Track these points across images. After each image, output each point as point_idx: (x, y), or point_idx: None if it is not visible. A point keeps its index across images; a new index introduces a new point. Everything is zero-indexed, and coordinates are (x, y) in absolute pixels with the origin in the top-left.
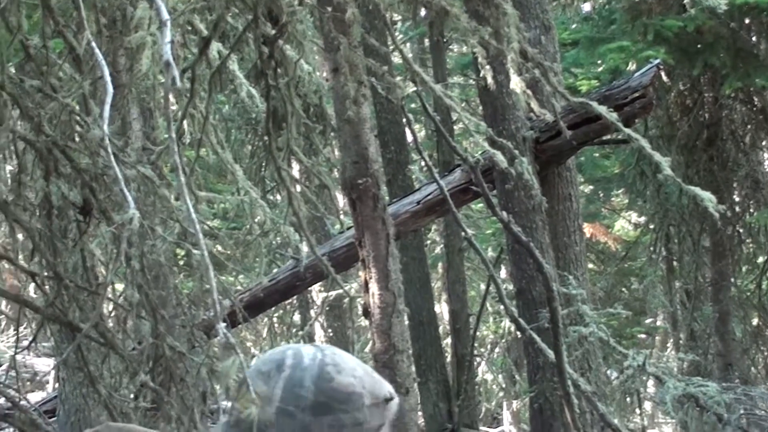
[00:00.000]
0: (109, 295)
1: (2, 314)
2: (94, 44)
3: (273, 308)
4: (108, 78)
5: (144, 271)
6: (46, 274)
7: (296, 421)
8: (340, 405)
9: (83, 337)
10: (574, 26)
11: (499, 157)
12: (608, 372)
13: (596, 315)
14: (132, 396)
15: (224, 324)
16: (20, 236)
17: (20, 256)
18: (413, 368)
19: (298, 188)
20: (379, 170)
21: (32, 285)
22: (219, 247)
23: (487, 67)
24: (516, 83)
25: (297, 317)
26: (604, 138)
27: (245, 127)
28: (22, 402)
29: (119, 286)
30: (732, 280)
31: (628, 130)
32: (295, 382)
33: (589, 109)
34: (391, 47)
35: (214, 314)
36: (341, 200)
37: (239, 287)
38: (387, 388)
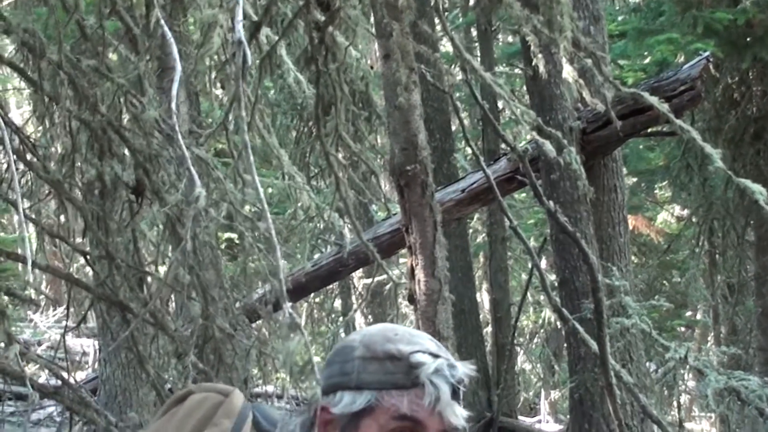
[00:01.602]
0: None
1: (43, 294)
2: (163, 22)
3: (313, 294)
4: (177, 56)
5: (196, 253)
6: (97, 253)
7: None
8: (334, 357)
9: (136, 318)
10: (621, 18)
11: (548, 147)
12: (648, 364)
13: (639, 307)
14: (181, 377)
15: (289, 305)
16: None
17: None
18: (457, 356)
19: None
20: (427, 157)
21: (75, 265)
22: (251, 234)
23: (540, 55)
24: (568, 72)
25: (338, 303)
26: (651, 130)
27: (291, 112)
28: (71, 379)
29: (161, 269)
30: None
31: (679, 122)
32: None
33: (641, 99)
34: (441, 34)
35: (280, 294)
36: (386, 187)
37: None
38: (400, 347)
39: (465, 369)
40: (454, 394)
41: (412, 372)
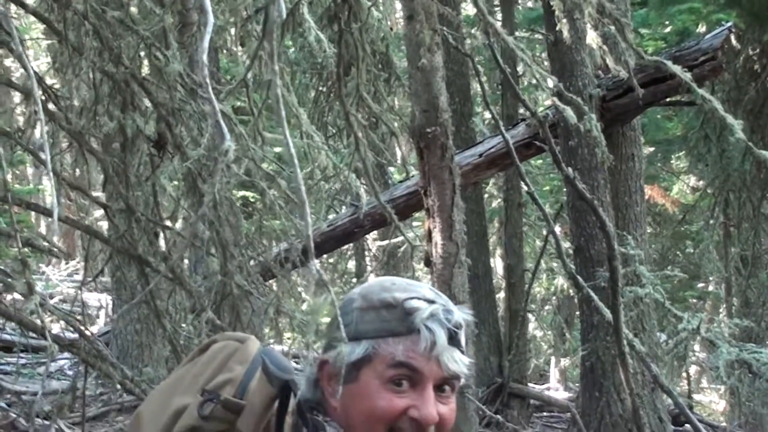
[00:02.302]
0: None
1: (56, 247)
2: None
3: (327, 254)
4: (209, 8)
5: (216, 208)
6: (117, 206)
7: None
8: (340, 311)
9: (154, 273)
10: None
11: (569, 113)
12: (659, 334)
13: (653, 277)
14: (196, 332)
15: (317, 262)
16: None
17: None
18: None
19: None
20: (448, 120)
21: (89, 219)
22: (275, 191)
23: (564, 20)
24: (592, 38)
25: (351, 265)
26: (670, 99)
27: (310, 71)
28: (87, 333)
29: (178, 224)
30: None
31: (701, 92)
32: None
33: (663, 68)
34: None
35: (308, 251)
36: (405, 149)
37: (292, 232)
38: (396, 295)
39: (462, 314)
40: (452, 339)
41: (407, 318)
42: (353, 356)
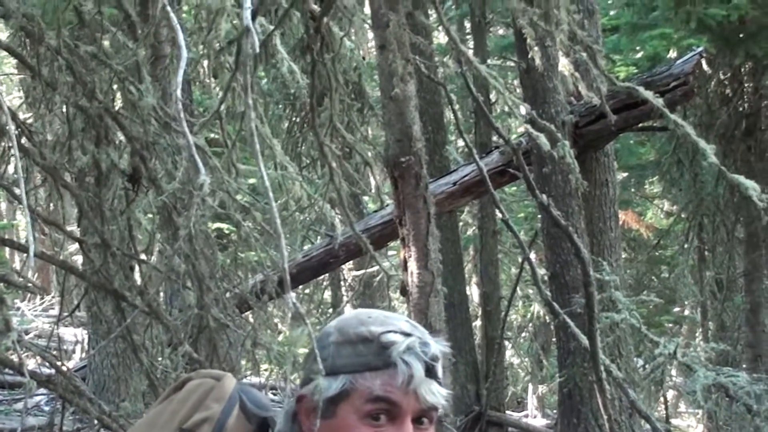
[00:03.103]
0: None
1: (31, 283)
2: (169, 8)
3: (303, 285)
4: (183, 43)
5: (192, 241)
6: (92, 241)
7: None
8: (317, 344)
9: (130, 307)
10: (614, 12)
11: (542, 140)
12: (636, 360)
13: (628, 302)
14: (173, 366)
15: (293, 295)
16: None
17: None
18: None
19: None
20: (422, 149)
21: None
22: (249, 223)
23: (535, 48)
24: (564, 65)
25: (327, 295)
26: (642, 125)
27: (283, 102)
28: (64, 368)
29: (153, 257)
30: (765, 271)
31: (673, 117)
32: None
33: (635, 94)
34: (435, 25)
35: (284, 284)
36: (378, 178)
37: (268, 263)
38: (372, 329)
39: (439, 346)
40: (429, 371)
41: (383, 352)
42: (330, 391)
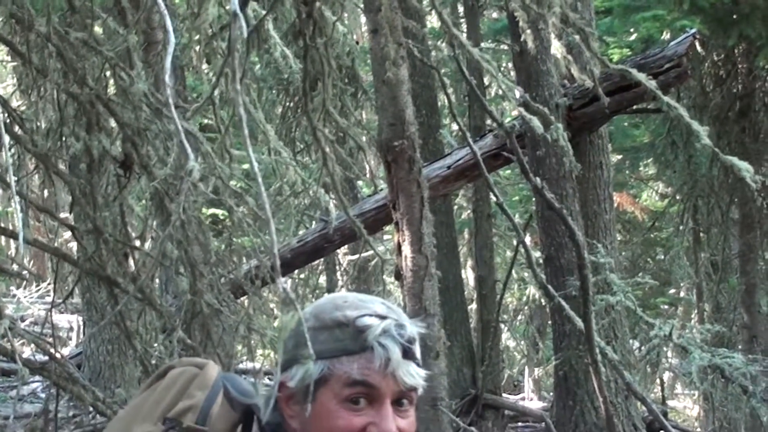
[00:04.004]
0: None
1: (26, 269)
2: None
3: (298, 270)
4: (170, 28)
5: (184, 227)
6: (84, 227)
7: None
8: (291, 333)
9: (123, 294)
10: None
11: (535, 123)
12: (631, 342)
13: (623, 284)
14: (167, 352)
15: (283, 280)
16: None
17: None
18: (443, 332)
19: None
20: (415, 133)
21: (59, 240)
22: (243, 209)
23: (528, 31)
24: (557, 48)
25: (322, 279)
26: (636, 107)
27: (277, 87)
28: (58, 355)
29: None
30: (759, 252)
31: (666, 99)
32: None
33: (629, 76)
34: (428, 9)
35: (274, 269)
36: (372, 163)
37: (262, 249)
38: (347, 313)
39: (415, 327)
40: (406, 353)
41: (359, 336)
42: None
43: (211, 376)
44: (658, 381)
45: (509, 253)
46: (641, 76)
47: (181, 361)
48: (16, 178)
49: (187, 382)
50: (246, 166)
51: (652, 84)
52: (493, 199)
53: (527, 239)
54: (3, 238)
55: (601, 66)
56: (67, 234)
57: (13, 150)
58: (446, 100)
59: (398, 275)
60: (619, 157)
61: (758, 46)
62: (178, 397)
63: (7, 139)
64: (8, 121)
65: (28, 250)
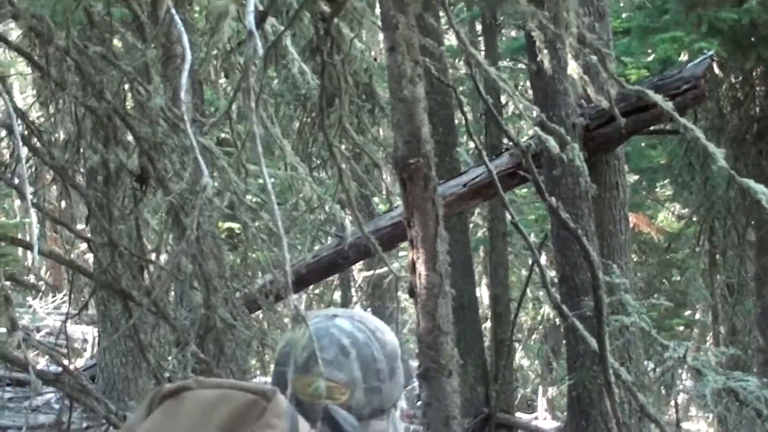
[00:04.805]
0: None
1: (42, 281)
2: (174, 11)
3: (313, 286)
4: (187, 45)
5: (199, 242)
6: (100, 240)
7: (382, 393)
8: (398, 362)
9: (137, 307)
10: (626, 15)
11: (551, 143)
12: (646, 363)
13: (638, 305)
14: (180, 366)
15: (294, 296)
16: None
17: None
18: (456, 350)
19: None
20: (431, 150)
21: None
22: (258, 223)
23: (545, 51)
24: (573, 68)
25: (337, 295)
26: (653, 128)
27: (294, 103)
28: (72, 367)
29: (162, 257)
30: None
31: (683, 120)
32: (369, 360)
33: (645, 97)
34: (446, 27)
35: (286, 286)
36: (388, 179)
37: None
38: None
39: None
40: None
41: None
42: None
43: (284, 403)
44: (672, 403)
45: (524, 272)
46: (658, 98)
47: (202, 382)
48: (33, 190)
49: (243, 409)
50: (262, 180)
51: (668, 105)
52: (509, 217)
53: (542, 258)
54: (20, 249)
55: (617, 86)
56: (83, 246)
57: (30, 162)
58: (463, 119)
59: (412, 293)
60: (636, 177)
61: None
62: (237, 425)
63: (24, 151)
64: (26, 133)
65: (44, 261)
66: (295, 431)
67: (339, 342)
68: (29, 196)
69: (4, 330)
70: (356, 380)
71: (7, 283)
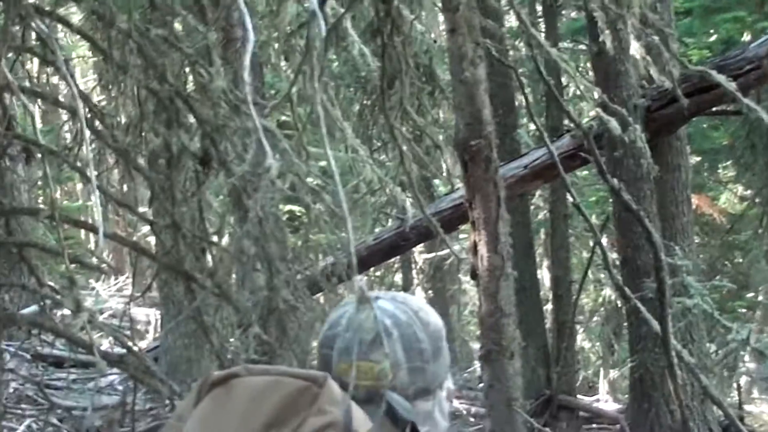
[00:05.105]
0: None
1: (105, 263)
2: None
3: (374, 268)
4: (250, 26)
5: (261, 224)
6: (162, 222)
7: (427, 373)
8: (442, 342)
9: (200, 288)
10: None
11: (613, 124)
12: (708, 345)
13: (701, 287)
14: (243, 348)
15: (360, 277)
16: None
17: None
18: (518, 332)
19: (409, 148)
20: (492, 132)
21: (137, 235)
22: (320, 206)
23: (607, 31)
24: (636, 49)
25: (398, 277)
26: (716, 109)
27: (354, 85)
28: (135, 348)
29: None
30: None
31: (746, 101)
32: (412, 340)
33: (708, 78)
34: (506, 8)
35: (351, 267)
36: (449, 161)
37: (338, 246)
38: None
39: None
40: None
41: None
42: None
43: (338, 389)
44: (734, 385)
45: (585, 254)
46: (721, 78)
47: (250, 369)
48: (96, 173)
49: (296, 394)
50: (323, 163)
51: (731, 86)
52: (570, 199)
53: (604, 240)
54: (83, 231)
55: (680, 67)
56: (146, 228)
57: (93, 145)
58: (524, 100)
59: (474, 275)
60: (698, 159)
61: None
62: (290, 411)
63: (88, 134)
64: (89, 116)
65: (107, 244)
66: (348, 417)
67: (381, 322)
68: (94, 180)
69: (69, 311)
70: (399, 361)
71: (72, 265)
